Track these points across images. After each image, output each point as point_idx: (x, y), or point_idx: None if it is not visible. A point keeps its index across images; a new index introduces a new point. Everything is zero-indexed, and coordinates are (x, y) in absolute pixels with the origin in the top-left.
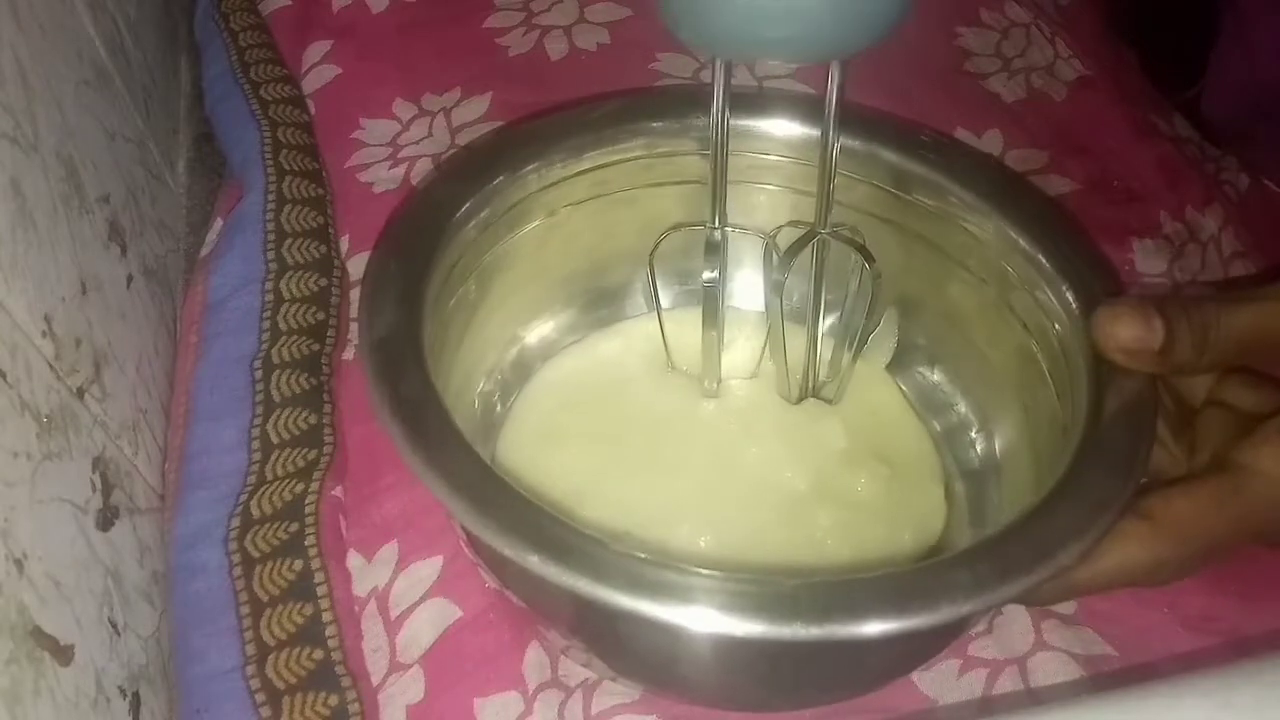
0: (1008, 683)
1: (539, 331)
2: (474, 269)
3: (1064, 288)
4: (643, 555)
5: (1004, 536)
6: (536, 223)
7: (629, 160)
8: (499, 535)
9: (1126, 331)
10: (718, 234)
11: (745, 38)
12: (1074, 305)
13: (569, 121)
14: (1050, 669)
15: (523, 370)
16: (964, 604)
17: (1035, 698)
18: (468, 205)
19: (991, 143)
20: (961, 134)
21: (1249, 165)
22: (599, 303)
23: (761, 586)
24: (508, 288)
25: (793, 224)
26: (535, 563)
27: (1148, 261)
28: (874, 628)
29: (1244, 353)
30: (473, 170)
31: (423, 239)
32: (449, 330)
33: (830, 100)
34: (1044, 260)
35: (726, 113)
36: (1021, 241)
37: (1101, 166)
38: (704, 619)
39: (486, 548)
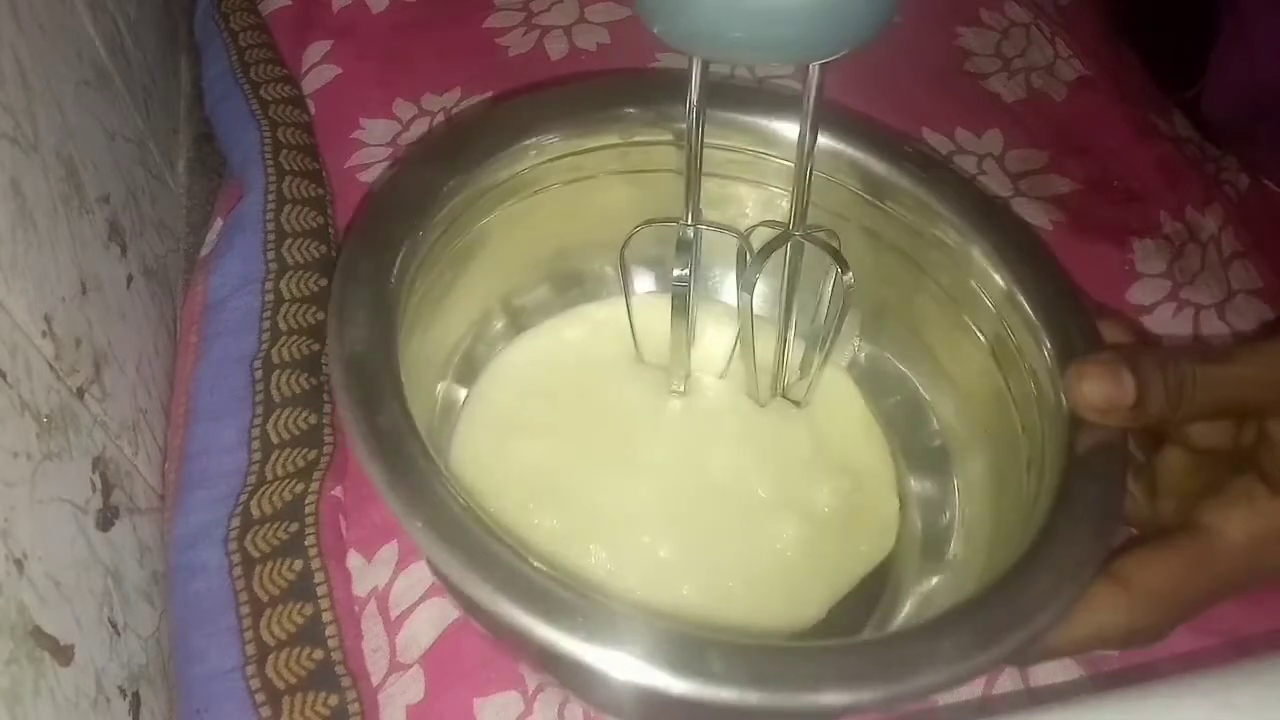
0: (1008, 683)
1: (505, 316)
2: (445, 254)
3: (1038, 327)
4: (648, 623)
5: (982, 600)
6: (509, 206)
7: (608, 147)
8: (488, 590)
9: (1097, 390)
10: (690, 231)
11: (719, 36)
12: (1048, 346)
13: (552, 104)
14: (1050, 669)
15: (486, 354)
16: (943, 672)
17: (1035, 698)
18: (442, 190)
19: (991, 143)
20: (961, 134)
21: (1249, 165)
22: (568, 288)
23: (748, 654)
24: (478, 272)
25: (766, 224)
26: (535, 627)
27: (1148, 261)
28: (855, 698)
29: (1221, 410)
30: (446, 154)
31: (393, 228)
32: (417, 316)
33: (807, 103)
34: (1020, 297)
35: (702, 111)
36: (999, 275)
37: (1101, 166)
38: (686, 689)
39: (464, 595)
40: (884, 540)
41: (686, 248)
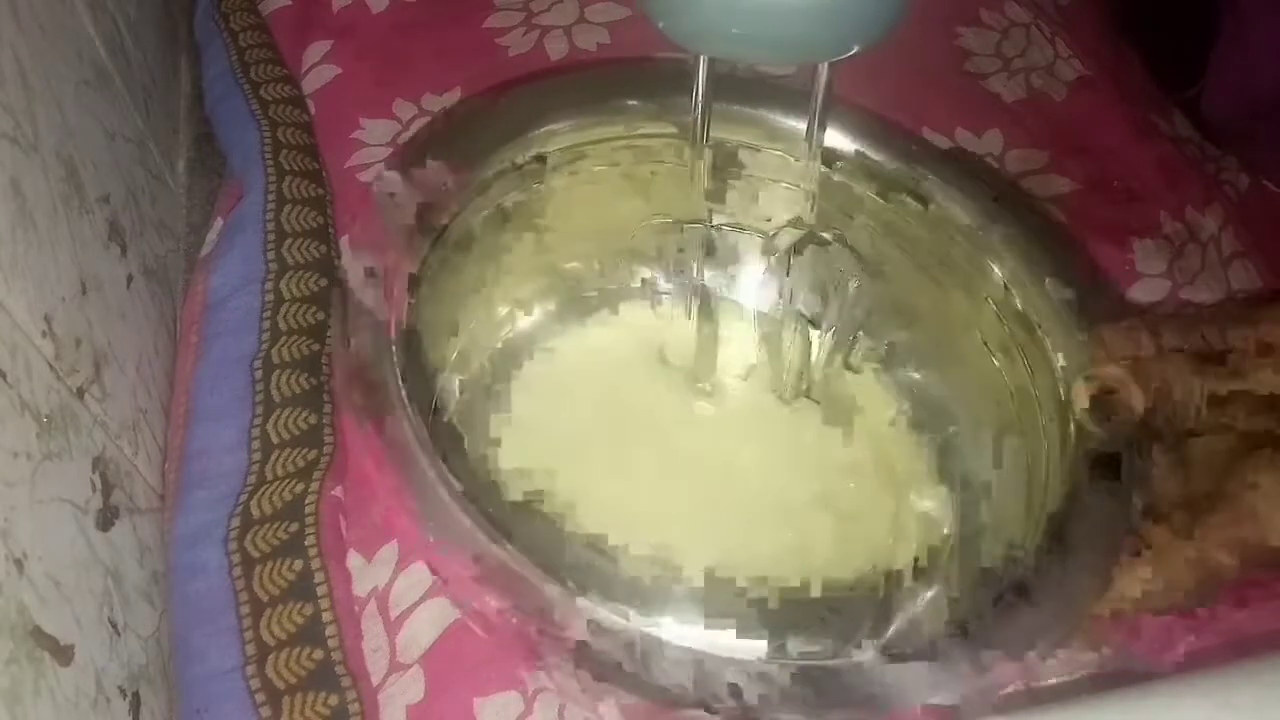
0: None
1: (531, 319)
2: (470, 256)
3: (1062, 309)
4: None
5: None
6: (537, 206)
7: (619, 147)
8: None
9: (1116, 353)
10: (714, 233)
11: (723, 34)
12: (1073, 327)
13: (574, 92)
14: (1050, 669)
15: (513, 358)
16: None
17: (1035, 698)
18: (463, 191)
19: (991, 143)
20: (961, 134)
21: (1249, 165)
22: (593, 291)
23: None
24: (502, 273)
25: (792, 224)
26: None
27: (1148, 261)
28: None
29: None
30: (467, 148)
31: (410, 234)
32: (440, 316)
33: (815, 102)
34: (1045, 282)
35: (708, 108)
36: (1022, 261)
37: (1101, 166)
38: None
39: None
40: (916, 537)
41: (710, 249)
